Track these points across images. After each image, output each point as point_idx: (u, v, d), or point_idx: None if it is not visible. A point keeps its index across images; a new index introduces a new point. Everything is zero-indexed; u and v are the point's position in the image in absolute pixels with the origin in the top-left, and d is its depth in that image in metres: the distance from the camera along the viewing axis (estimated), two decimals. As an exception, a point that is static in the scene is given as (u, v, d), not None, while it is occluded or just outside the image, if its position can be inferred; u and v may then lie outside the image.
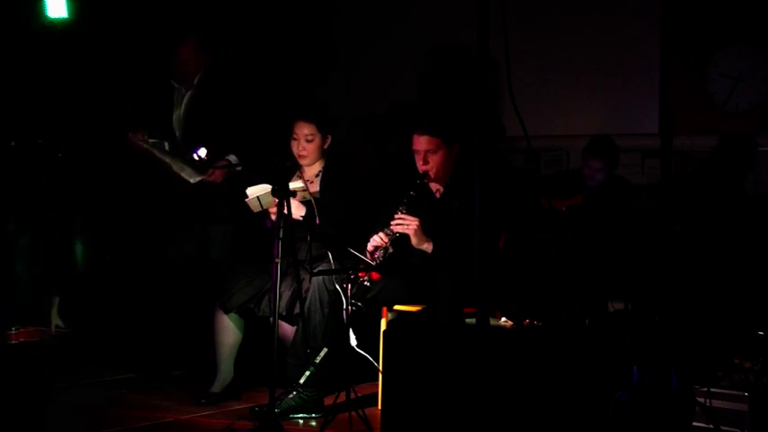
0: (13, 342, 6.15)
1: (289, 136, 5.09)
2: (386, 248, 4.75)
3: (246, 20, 7.25)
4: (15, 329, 6.37)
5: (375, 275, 4.63)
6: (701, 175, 6.06)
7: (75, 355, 6.11)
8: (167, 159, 5.38)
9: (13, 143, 6.87)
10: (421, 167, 4.91)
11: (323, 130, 5.07)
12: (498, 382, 3.80)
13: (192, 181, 5.33)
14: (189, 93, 5.53)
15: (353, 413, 4.25)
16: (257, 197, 4.65)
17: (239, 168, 5.32)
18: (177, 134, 5.54)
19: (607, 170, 5.71)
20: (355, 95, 7.05)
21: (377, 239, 4.77)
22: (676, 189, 5.59)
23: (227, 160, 5.31)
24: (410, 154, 5.01)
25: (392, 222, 4.79)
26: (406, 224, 4.78)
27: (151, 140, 5.41)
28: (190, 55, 5.49)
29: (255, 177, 4.76)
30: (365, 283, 4.60)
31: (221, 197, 5.38)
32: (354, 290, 4.48)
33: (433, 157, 4.89)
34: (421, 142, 4.91)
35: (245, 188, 4.73)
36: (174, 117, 5.58)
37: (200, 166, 5.27)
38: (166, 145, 5.46)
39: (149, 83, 6.12)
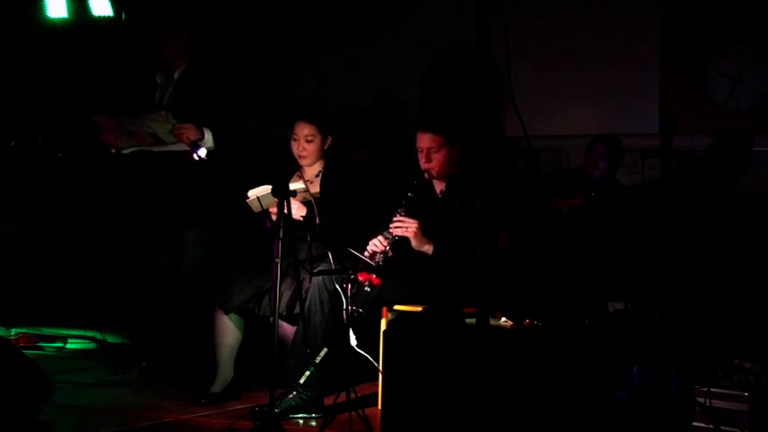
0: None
1: (289, 136, 5.10)
2: (385, 252, 4.75)
3: (242, 18, 7.27)
4: (15, 334, 6.36)
5: (376, 281, 4.62)
6: (695, 175, 6.08)
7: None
8: (131, 122, 5.40)
9: (13, 143, 6.87)
10: (423, 165, 4.91)
11: (323, 130, 5.07)
12: (498, 383, 3.80)
13: (155, 131, 5.34)
14: (169, 90, 5.53)
15: (353, 413, 4.25)
16: (258, 197, 4.65)
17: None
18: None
19: (610, 160, 5.72)
20: (350, 92, 7.07)
21: (376, 244, 4.76)
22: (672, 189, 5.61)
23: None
24: (407, 150, 5.01)
25: (391, 225, 4.79)
26: (405, 227, 4.77)
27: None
28: (170, 43, 5.50)
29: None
30: (365, 288, 4.59)
31: (197, 199, 5.40)
32: (354, 290, 4.47)
33: (436, 156, 4.89)
34: (424, 140, 4.90)
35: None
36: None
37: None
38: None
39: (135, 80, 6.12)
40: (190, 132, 5.31)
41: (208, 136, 5.35)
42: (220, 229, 5.49)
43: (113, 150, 5.50)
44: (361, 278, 4.55)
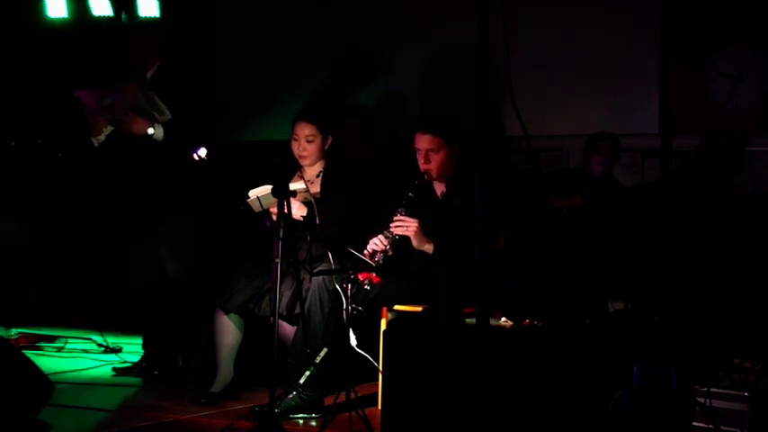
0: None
1: (289, 136, 5.11)
2: (385, 251, 4.75)
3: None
4: (15, 334, 6.36)
5: (376, 279, 4.62)
6: (695, 175, 6.08)
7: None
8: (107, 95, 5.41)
9: (13, 143, 6.87)
10: (423, 166, 4.91)
11: (323, 130, 5.07)
12: (498, 383, 3.80)
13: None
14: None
15: (353, 413, 4.25)
16: (258, 197, 4.65)
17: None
18: None
19: (614, 158, 5.74)
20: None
21: (376, 243, 4.76)
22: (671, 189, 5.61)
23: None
24: (407, 150, 5.01)
25: (391, 224, 4.79)
26: (405, 226, 4.77)
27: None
28: (138, 45, 5.51)
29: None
30: (365, 286, 4.59)
31: (197, 199, 5.41)
32: (354, 290, 4.47)
33: (435, 157, 4.89)
34: (422, 141, 4.90)
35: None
36: None
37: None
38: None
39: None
40: (134, 125, 5.29)
41: (158, 131, 5.33)
42: (212, 227, 5.50)
43: (98, 141, 5.48)
44: (360, 276, 4.55)
